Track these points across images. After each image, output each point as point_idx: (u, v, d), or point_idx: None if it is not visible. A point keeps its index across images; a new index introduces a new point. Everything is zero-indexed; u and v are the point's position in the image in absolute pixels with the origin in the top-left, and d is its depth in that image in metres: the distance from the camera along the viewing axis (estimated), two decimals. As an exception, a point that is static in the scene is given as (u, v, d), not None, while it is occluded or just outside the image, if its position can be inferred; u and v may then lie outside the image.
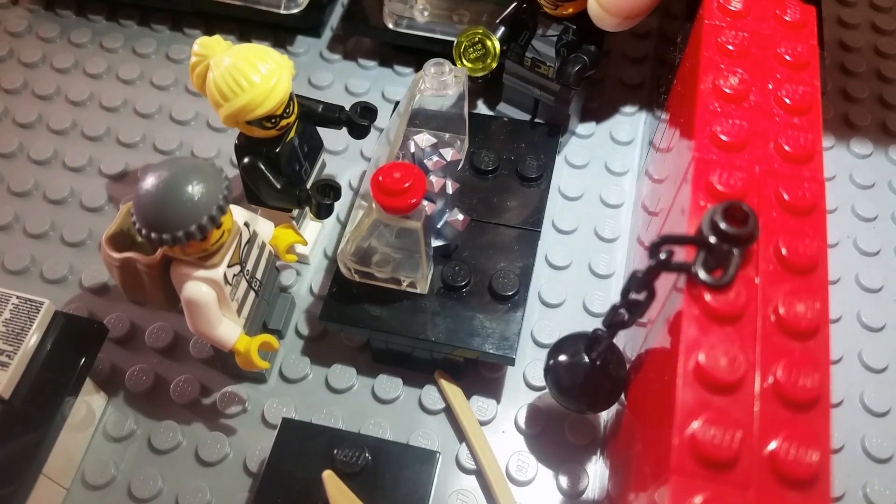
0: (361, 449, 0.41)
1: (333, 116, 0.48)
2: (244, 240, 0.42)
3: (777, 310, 0.31)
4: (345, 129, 0.49)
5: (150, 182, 0.38)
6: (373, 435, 0.45)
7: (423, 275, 0.45)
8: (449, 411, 0.47)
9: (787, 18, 0.39)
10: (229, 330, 0.42)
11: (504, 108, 0.57)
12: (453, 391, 0.47)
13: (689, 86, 0.41)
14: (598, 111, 0.60)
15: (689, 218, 0.33)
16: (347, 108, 0.49)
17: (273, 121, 0.44)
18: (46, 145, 0.58)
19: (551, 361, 0.42)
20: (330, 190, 0.46)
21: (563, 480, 0.45)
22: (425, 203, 0.43)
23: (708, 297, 0.31)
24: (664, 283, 0.34)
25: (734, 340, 0.30)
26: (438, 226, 0.46)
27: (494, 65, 0.51)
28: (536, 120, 0.55)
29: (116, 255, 0.41)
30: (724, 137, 0.35)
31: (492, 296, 0.46)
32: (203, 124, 0.60)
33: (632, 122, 0.60)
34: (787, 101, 0.36)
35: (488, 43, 0.50)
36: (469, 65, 0.51)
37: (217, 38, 0.43)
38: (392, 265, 0.45)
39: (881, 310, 0.51)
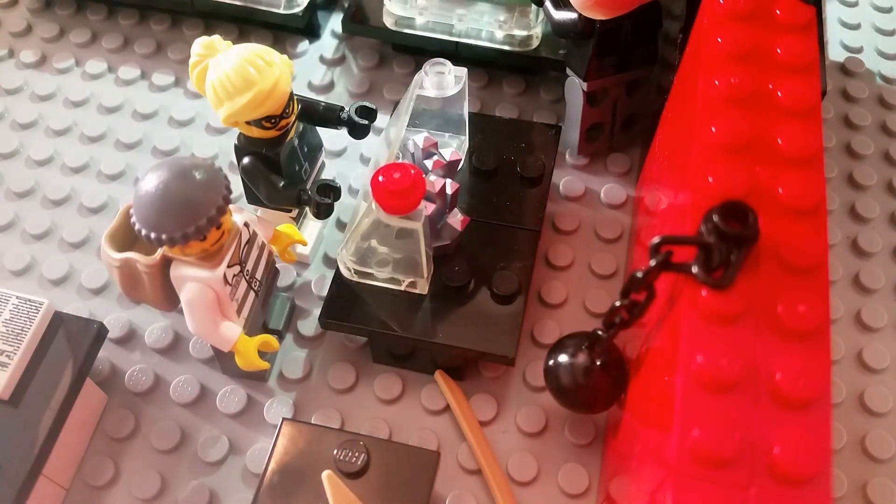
0: (361, 449, 0.41)
1: (333, 116, 0.48)
2: (244, 240, 0.42)
3: (777, 310, 0.31)
4: (345, 130, 0.49)
5: (149, 182, 0.38)
6: (373, 435, 0.45)
7: (423, 275, 0.45)
8: (449, 411, 0.47)
9: (787, 18, 0.39)
10: (229, 330, 0.42)
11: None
12: (454, 391, 0.47)
13: (689, 86, 0.41)
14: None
15: (689, 218, 0.33)
16: (347, 109, 0.49)
17: (273, 121, 0.44)
18: (46, 145, 0.58)
19: (551, 361, 0.42)
20: (330, 190, 0.46)
21: (564, 480, 0.45)
22: (425, 203, 0.43)
23: (708, 297, 0.31)
24: (664, 283, 0.34)
25: (734, 340, 0.30)
26: (438, 226, 0.46)
27: None
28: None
29: (116, 256, 0.41)
30: (724, 137, 0.35)
31: (492, 296, 0.46)
32: (203, 124, 0.60)
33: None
34: (787, 101, 0.36)
35: None
36: None
37: (217, 38, 0.44)
38: (392, 265, 0.45)
39: (881, 310, 0.51)
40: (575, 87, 0.53)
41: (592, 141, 0.56)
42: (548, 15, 0.51)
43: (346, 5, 0.61)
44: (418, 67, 0.48)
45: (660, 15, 0.51)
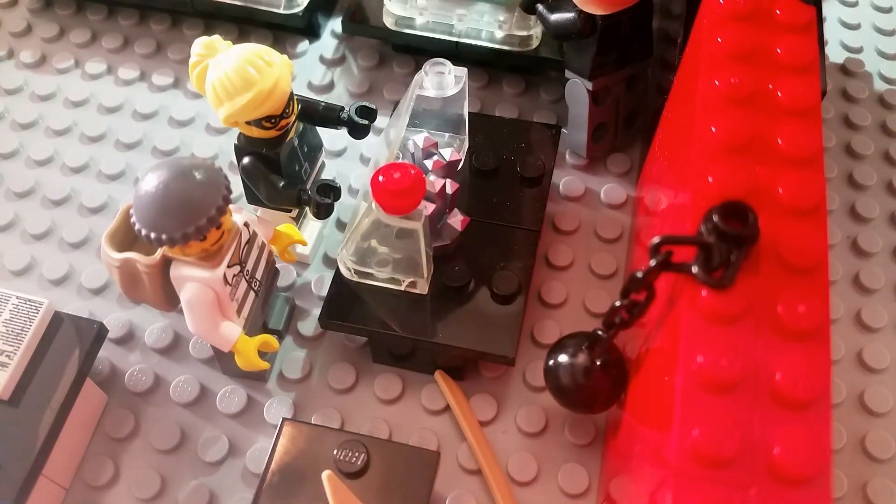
0: (361, 449, 0.41)
1: (333, 116, 0.48)
2: (244, 240, 0.42)
3: (777, 310, 0.31)
4: (345, 130, 0.49)
5: (149, 182, 0.38)
6: (373, 435, 0.45)
7: (423, 275, 0.45)
8: (449, 411, 0.47)
9: (788, 18, 0.39)
10: (229, 330, 0.42)
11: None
12: (454, 391, 0.47)
13: (689, 86, 0.41)
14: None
15: (689, 218, 0.33)
16: (347, 109, 0.49)
17: (273, 121, 0.44)
18: (46, 145, 0.58)
19: (551, 361, 0.42)
20: (329, 190, 0.46)
21: (564, 480, 0.45)
22: (425, 203, 0.43)
23: (708, 297, 0.31)
24: (664, 283, 0.34)
25: (734, 340, 0.30)
26: (438, 226, 0.46)
27: None
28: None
29: (116, 256, 0.41)
30: (724, 137, 0.35)
31: (492, 296, 0.46)
32: (203, 124, 0.60)
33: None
34: (787, 101, 0.36)
35: None
36: None
37: (217, 38, 0.44)
38: (392, 265, 0.45)
39: (881, 310, 0.51)
40: (578, 88, 0.53)
41: (598, 141, 0.56)
42: (543, 20, 0.51)
43: (346, 5, 0.61)
44: (418, 67, 0.48)
45: (651, 8, 0.51)
